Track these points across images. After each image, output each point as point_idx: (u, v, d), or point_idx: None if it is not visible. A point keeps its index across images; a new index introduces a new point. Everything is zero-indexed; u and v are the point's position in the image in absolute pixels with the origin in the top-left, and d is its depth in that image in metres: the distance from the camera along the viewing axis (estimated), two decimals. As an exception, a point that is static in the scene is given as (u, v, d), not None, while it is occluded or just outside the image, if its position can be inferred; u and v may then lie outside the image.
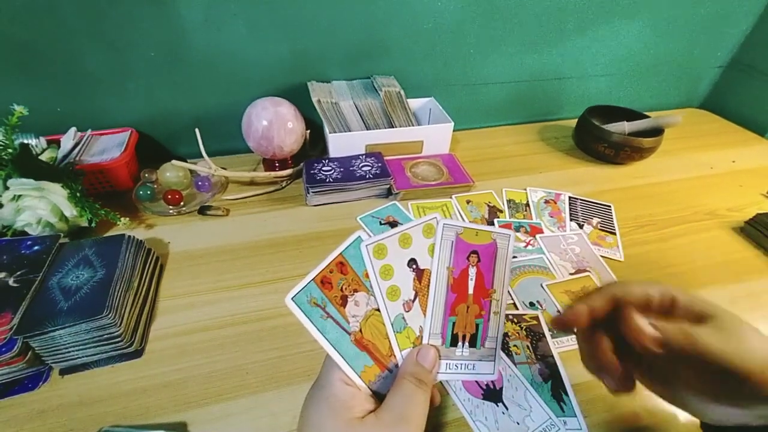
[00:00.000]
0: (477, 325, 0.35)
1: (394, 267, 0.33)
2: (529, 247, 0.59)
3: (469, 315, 0.35)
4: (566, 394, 0.41)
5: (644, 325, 0.26)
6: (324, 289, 0.31)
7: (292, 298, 0.29)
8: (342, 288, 0.31)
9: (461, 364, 0.34)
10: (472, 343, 0.34)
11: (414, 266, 0.34)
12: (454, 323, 0.34)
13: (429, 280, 0.34)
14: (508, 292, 0.51)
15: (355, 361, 0.30)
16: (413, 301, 0.33)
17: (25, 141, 0.59)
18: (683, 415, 0.39)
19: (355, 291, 0.32)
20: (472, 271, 0.35)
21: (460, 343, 0.34)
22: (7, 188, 0.52)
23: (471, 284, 0.35)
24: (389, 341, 0.32)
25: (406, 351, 0.33)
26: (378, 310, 0.32)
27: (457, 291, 0.34)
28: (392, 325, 0.32)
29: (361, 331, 0.31)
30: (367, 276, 0.32)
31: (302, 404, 0.30)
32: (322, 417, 0.28)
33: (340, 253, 0.32)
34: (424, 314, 0.34)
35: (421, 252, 0.34)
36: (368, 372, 0.31)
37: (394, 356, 0.32)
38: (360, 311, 0.32)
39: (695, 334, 0.25)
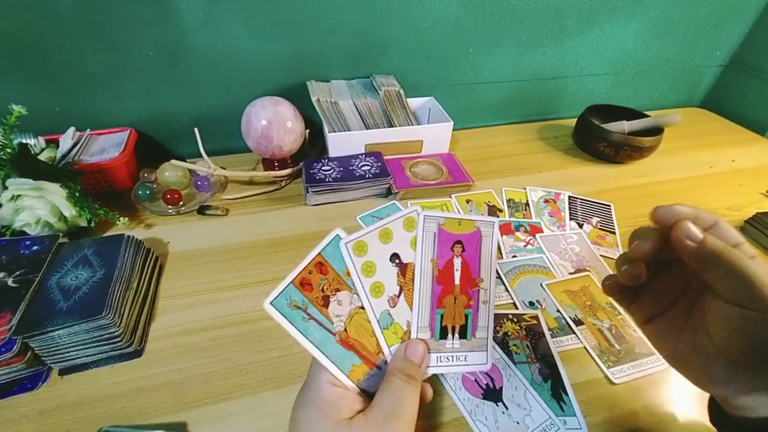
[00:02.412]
0: (466, 316, 0.34)
1: (376, 263, 0.32)
2: (529, 247, 0.59)
3: (457, 306, 0.34)
4: (566, 393, 0.41)
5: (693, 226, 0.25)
6: (304, 291, 0.30)
7: (270, 303, 0.29)
8: (323, 288, 0.31)
9: (452, 356, 0.33)
10: (462, 335, 0.34)
11: (397, 261, 0.33)
12: (442, 315, 0.34)
13: (413, 273, 0.33)
14: (507, 291, 0.51)
15: (342, 361, 0.30)
16: (398, 296, 0.33)
17: (24, 141, 0.59)
18: (683, 415, 0.40)
19: (337, 290, 0.31)
20: (458, 262, 0.34)
21: (449, 336, 0.34)
22: (5, 188, 0.52)
23: (457, 275, 0.34)
24: (376, 338, 0.32)
25: (394, 347, 0.32)
26: (362, 307, 0.32)
27: (443, 283, 0.34)
28: (378, 321, 0.32)
29: (346, 330, 0.31)
30: (348, 274, 0.31)
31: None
32: (310, 420, 0.28)
33: (319, 253, 0.31)
34: (411, 309, 0.33)
35: (404, 246, 0.33)
36: (356, 371, 0.30)
37: (383, 353, 0.32)
38: (343, 310, 0.31)
39: (741, 254, 0.24)
